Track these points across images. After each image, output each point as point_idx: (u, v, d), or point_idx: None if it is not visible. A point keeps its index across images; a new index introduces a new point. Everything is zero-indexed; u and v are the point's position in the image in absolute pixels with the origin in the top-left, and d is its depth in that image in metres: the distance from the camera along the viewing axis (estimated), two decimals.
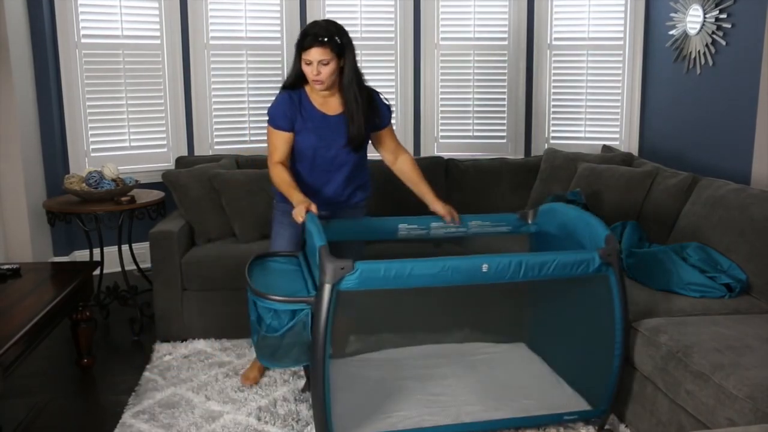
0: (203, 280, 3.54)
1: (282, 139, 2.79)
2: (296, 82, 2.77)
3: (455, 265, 2.29)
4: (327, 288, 2.21)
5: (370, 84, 2.86)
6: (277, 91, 2.88)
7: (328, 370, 2.27)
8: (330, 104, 2.80)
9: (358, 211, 2.99)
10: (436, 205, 2.90)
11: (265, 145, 2.94)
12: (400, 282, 2.26)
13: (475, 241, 3.48)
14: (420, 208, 3.00)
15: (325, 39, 2.61)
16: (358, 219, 2.97)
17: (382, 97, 2.90)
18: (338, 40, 2.65)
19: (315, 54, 2.61)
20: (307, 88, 2.79)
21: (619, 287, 2.46)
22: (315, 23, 2.68)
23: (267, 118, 2.84)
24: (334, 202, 2.90)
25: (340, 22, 4.79)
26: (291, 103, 2.76)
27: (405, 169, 2.97)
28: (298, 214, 2.56)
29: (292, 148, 2.83)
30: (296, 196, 2.64)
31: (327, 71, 2.65)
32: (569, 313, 2.82)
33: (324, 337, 2.23)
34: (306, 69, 2.67)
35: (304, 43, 2.63)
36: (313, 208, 2.58)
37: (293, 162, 2.87)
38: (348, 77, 2.72)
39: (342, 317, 2.57)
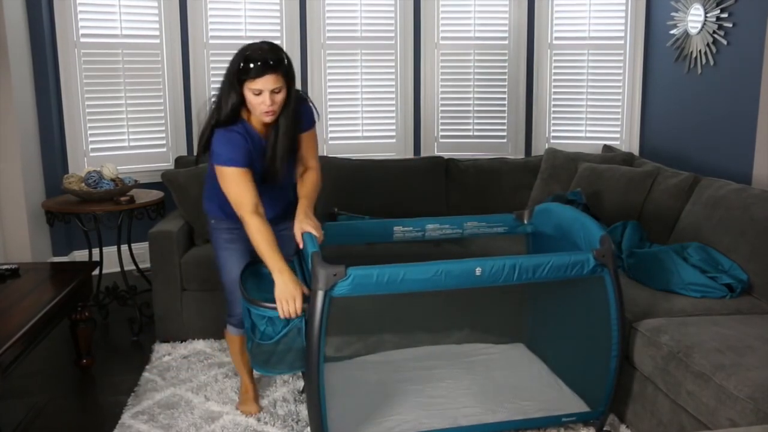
0: (202, 280, 3.54)
1: (248, 179, 2.41)
2: (233, 117, 2.41)
3: (448, 269, 2.28)
4: (320, 295, 2.21)
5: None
6: None
7: (323, 376, 2.27)
8: (268, 128, 2.51)
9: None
10: (297, 222, 2.46)
11: None
12: (393, 287, 2.26)
13: (475, 240, 3.47)
14: (416, 210, 2.99)
15: (277, 64, 2.30)
16: (352, 222, 2.94)
17: (310, 102, 2.60)
18: (286, 63, 2.35)
19: (267, 82, 2.29)
20: (245, 116, 2.46)
21: (614, 288, 2.45)
22: (256, 47, 2.34)
23: (219, 166, 2.41)
24: (290, 210, 2.65)
25: (340, 22, 4.92)
26: (242, 138, 2.42)
27: (304, 185, 2.62)
28: (292, 306, 2.24)
29: None
30: (279, 268, 2.29)
31: (280, 99, 2.35)
32: (568, 313, 2.82)
33: (318, 343, 2.22)
34: (253, 100, 2.34)
35: (250, 72, 2.28)
36: (305, 289, 2.28)
37: None
38: (291, 103, 2.42)
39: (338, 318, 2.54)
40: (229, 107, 2.39)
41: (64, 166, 4.54)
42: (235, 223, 2.53)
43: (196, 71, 4.76)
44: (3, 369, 2.32)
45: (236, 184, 2.40)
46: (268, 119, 2.40)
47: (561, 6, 4.96)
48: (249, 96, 2.35)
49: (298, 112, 2.49)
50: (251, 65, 2.29)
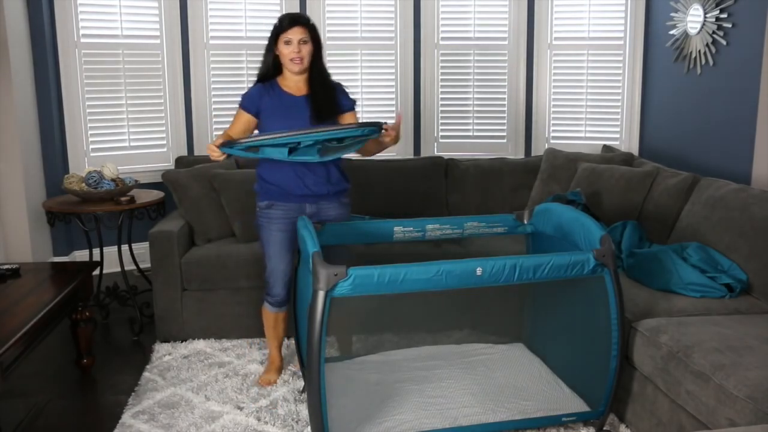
0: (203, 280, 3.54)
1: (242, 120, 2.89)
2: (269, 74, 2.90)
3: (449, 269, 2.29)
4: (321, 295, 2.21)
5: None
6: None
7: (323, 376, 2.27)
8: (299, 88, 2.90)
9: (344, 206, 2.97)
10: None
11: None
12: (394, 287, 2.26)
13: (475, 241, 3.47)
14: (416, 210, 2.99)
15: (304, 20, 2.83)
16: (352, 222, 2.95)
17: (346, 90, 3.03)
18: (312, 24, 2.85)
19: (296, 32, 2.78)
20: (279, 78, 2.91)
21: (614, 288, 2.46)
22: (288, 13, 2.91)
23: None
24: (318, 194, 2.87)
25: (340, 22, 4.97)
26: (263, 89, 2.88)
27: None
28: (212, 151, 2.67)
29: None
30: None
31: (306, 50, 2.81)
32: (568, 313, 2.82)
33: (318, 343, 2.23)
34: (285, 50, 2.80)
35: (283, 25, 2.79)
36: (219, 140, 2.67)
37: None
38: (317, 65, 2.89)
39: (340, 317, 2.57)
40: (265, 66, 2.89)
41: (65, 166, 4.54)
42: (281, 203, 2.87)
43: (196, 71, 4.76)
44: (3, 369, 2.32)
45: (235, 118, 2.93)
46: (296, 68, 2.82)
47: (561, 6, 4.96)
48: (282, 48, 2.81)
49: (334, 89, 2.93)
50: (284, 20, 2.81)
